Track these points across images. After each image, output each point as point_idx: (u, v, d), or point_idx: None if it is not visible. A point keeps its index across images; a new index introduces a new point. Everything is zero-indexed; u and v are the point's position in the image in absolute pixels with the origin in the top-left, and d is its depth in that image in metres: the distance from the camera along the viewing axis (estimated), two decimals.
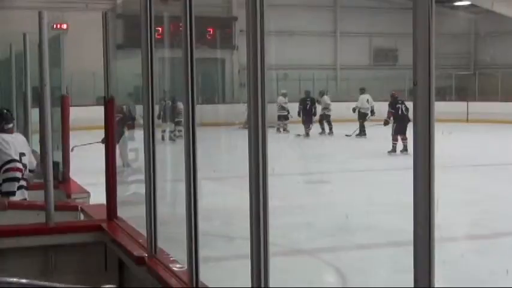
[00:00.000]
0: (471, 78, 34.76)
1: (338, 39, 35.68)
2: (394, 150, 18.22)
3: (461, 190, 12.19)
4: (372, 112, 23.60)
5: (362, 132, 23.52)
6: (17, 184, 6.02)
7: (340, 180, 13.82)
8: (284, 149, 17.88)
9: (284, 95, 25.43)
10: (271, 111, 24.78)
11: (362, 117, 23.77)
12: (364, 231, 9.07)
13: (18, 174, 6.03)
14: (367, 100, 24.10)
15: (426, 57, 1.73)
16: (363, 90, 24.77)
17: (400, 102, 18.69)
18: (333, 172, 14.77)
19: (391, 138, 18.50)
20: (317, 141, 23.01)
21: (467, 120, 29.50)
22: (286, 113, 25.01)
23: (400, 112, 18.44)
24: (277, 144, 17.30)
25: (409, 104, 17.35)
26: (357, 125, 23.65)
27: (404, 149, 17.97)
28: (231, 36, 32.68)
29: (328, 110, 24.81)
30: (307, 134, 23.69)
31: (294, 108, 24.80)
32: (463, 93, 33.65)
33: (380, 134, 19.77)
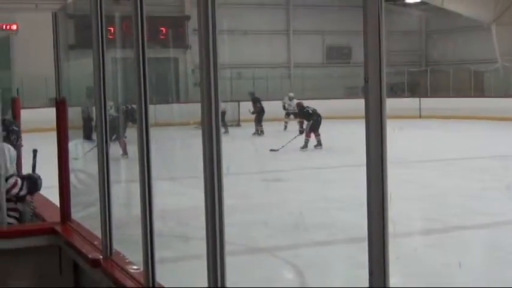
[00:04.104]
0: (423, 74, 35.19)
1: (291, 38, 35.80)
2: (306, 146, 18.85)
3: (415, 185, 12.37)
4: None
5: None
6: None
7: (295, 178, 13.89)
8: (239, 147, 17.88)
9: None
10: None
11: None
12: (320, 228, 9.12)
13: None
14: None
15: (377, 54, 1.74)
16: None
17: (305, 107, 19.89)
18: (288, 170, 14.83)
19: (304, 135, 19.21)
20: (272, 139, 23.07)
21: (420, 117, 29.84)
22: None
23: (310, 112, 19.44)
24: (232, 143, 17.32)
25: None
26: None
27: (319, 144, 18.94)
28: (184, 35, 32.58)
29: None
30: (260, 132, 24.29)
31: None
32: (415, 90, 34.08)
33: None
